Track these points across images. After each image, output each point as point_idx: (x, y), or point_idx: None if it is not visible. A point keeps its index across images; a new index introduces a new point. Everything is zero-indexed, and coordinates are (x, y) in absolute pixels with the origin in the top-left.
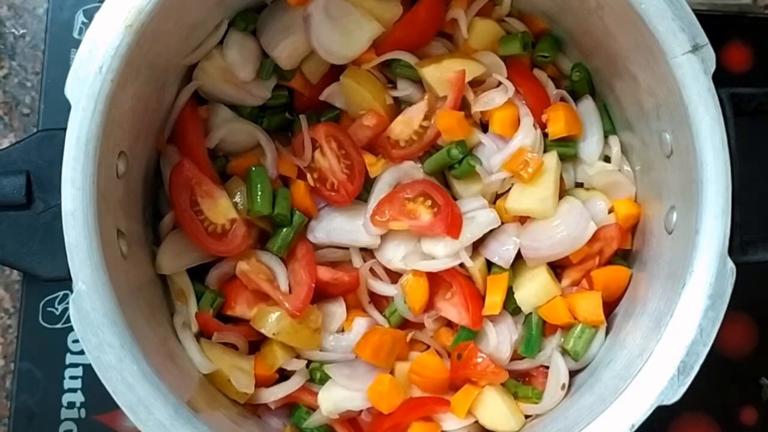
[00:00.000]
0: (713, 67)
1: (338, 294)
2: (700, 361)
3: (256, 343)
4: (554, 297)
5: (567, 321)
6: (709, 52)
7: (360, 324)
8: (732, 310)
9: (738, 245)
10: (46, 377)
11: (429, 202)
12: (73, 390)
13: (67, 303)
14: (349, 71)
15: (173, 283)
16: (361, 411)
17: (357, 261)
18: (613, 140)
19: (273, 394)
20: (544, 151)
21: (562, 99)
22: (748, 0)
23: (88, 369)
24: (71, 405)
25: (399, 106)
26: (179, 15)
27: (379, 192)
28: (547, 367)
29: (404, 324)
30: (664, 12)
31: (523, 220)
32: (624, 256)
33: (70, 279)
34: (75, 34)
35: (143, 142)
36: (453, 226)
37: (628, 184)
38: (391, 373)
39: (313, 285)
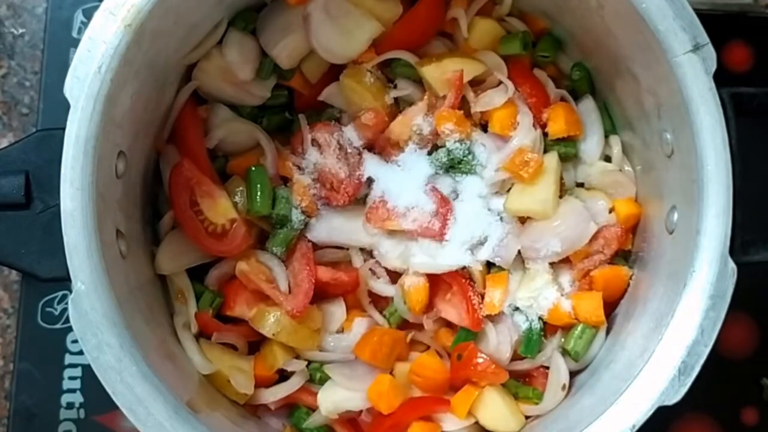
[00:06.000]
0: (714, 67)
1: (338, 294)
2: (701, 361)
3: (256, 344)
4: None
5: (567, 321)
6: (710, 52)
7: (360, 324)
8: (733, 310)
9: (739, 245)
10: (45, 378)
11: None
12: (72, 390)
13: (66, 303)
14: (348, 71)
15: (173, 284)
16: (360, 411)
17: (357, 261)
18: (614, 140)
19: (273, 395)
20: (545, 151)
21: (563, 99)
22: None
23: (87, 369)
24: (70, 405)
25: (399, 106)
26: (178, 14)
27: None
28: (548, 368)
29: (404, 324)
30: (665, 11)
31: (523, 220)
32: (624, 256)
33: (69, 279)
34: (74, 34)
35: (142, 141)
36: None
37: (629, 184)
38: (391, 373)
39: (313, 285)
